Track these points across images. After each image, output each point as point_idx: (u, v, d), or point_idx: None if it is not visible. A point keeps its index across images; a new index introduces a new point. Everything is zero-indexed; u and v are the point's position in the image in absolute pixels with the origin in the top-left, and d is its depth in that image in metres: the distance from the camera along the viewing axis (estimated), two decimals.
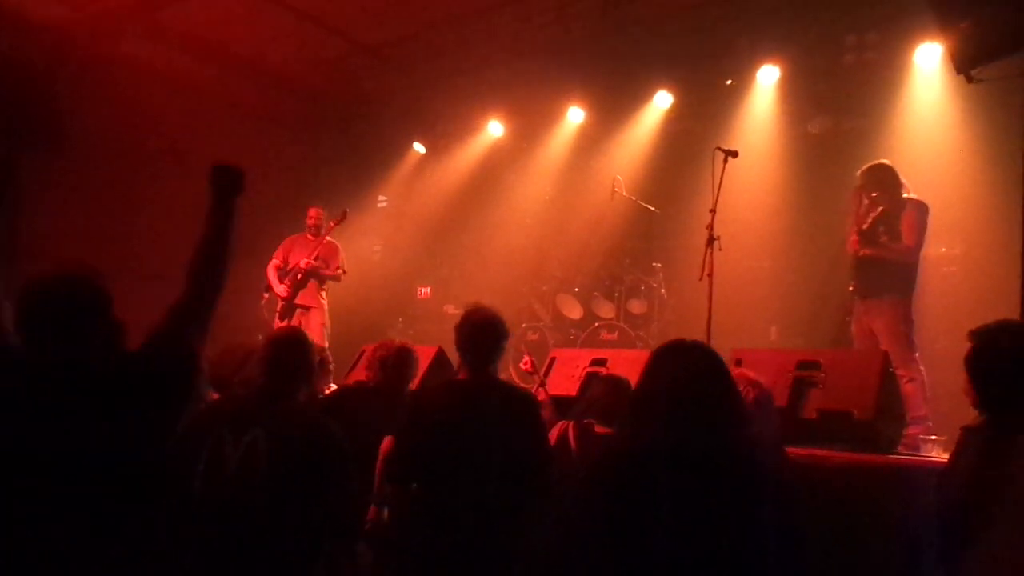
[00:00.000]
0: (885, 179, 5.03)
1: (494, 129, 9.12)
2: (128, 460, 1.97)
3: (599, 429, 3.38)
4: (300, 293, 6.87)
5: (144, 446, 2.01)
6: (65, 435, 1.89)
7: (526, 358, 4.65)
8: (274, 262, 7.03)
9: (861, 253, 4.98)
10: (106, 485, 1.92)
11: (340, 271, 7.07)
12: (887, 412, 3.75)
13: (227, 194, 2.23)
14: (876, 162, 5.16)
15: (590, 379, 4.65)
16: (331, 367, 4.63)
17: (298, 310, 6.87)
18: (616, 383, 3.59)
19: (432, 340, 6.80)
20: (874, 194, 5.00)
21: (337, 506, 2.76)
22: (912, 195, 4.99)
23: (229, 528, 2.52)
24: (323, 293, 7.04)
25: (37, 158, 7.34)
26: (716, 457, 1.90)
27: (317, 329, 6.70)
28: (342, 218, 7.06)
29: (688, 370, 2.03)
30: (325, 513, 2.65)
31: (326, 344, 6.14)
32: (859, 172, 5.15)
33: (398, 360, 3.99)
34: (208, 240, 2.18)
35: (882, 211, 4.95)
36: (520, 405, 3.07)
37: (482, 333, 3.10)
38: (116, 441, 1.95)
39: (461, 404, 3.02)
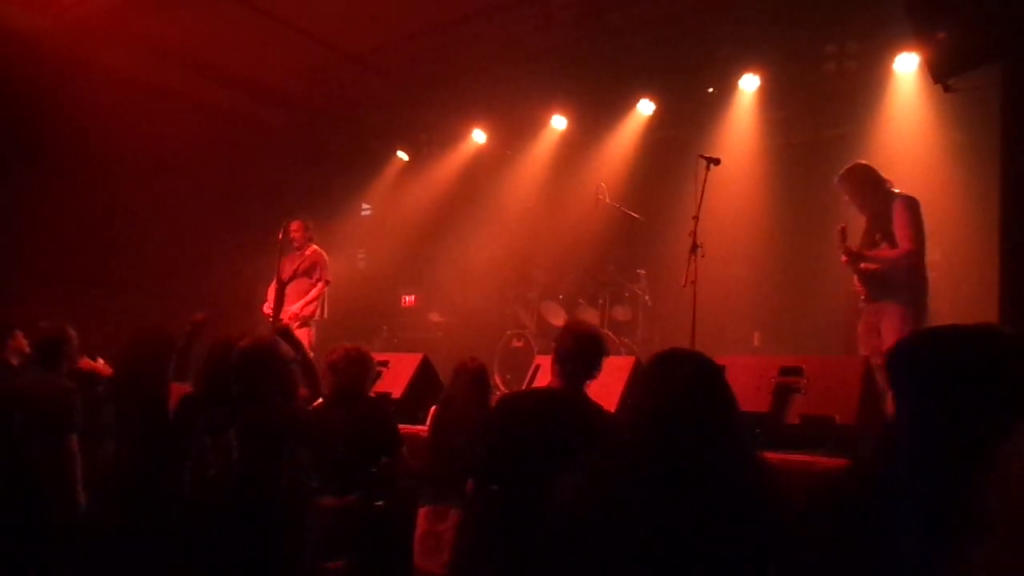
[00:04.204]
0: (861, 180, 4.87)
1: (477, 137, 9.12)
2: None
3: None
4: (285, 309, 6.86)
5: None
6: None
7: None
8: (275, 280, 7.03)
9: (861, 267, 4.78)
10: None
11: (320, 281, 7.02)
12: (870, 417, 3.78)
13: None
14: (848, 165, 4.96)
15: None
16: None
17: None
18: (458, 370, 3.91)
19: (418, 348, 6.79)
20: (847, 197, 4.93)
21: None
22: (897, 190, 4.80)
23: (218, 526, 2.78)
24: (313, 307, 7.00)
25: (15, 168, 7.28)
26: (704, 476, 1.85)
27: (304, 343, 6.71)
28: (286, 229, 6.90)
29: (680, 383, 1.96)
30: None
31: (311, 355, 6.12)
32: (836, 179, 4.99)
33: (346, 363, 3.89)
34: None
35: (871, 215, 4.84)
36: (596, 424, 2.99)
37: (584, 345, 3.12)
38: None
39: (537, 412, 3.07)
